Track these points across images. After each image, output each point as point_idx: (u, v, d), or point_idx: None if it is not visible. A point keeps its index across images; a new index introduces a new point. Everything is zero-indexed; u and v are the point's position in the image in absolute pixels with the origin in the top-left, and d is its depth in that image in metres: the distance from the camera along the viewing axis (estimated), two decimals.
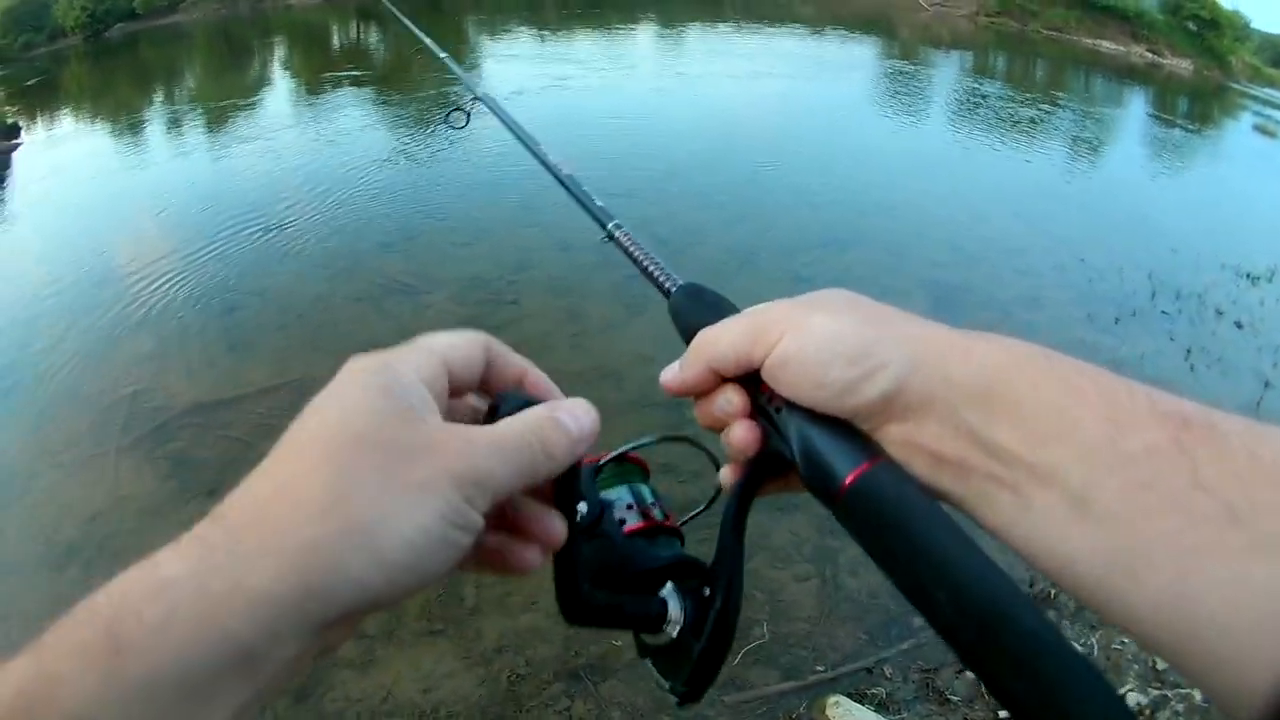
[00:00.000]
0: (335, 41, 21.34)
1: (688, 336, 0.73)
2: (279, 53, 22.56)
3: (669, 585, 0.71)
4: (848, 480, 0.57)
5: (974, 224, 9.71)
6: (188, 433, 5.74)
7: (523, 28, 24.18)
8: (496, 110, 1.63)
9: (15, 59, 25.44)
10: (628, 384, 6.02)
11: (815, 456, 0.60)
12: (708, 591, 0.68)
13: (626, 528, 0.75)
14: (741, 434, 0.66)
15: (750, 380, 0.66)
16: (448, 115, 2.07)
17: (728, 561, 0.67)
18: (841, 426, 0.61)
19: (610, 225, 1.02)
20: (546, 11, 27.67)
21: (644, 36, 23.33)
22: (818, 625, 4.34)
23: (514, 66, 18.22)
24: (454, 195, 9.74)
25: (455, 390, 0.61)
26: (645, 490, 0.80)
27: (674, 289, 0.84)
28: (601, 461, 0.80)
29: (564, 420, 0.59)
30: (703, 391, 0.69)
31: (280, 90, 17.46)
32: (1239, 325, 7.84)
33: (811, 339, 0.60)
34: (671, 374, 0.70)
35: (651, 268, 0.90)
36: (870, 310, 0.63)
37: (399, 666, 4.07)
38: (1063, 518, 0.49)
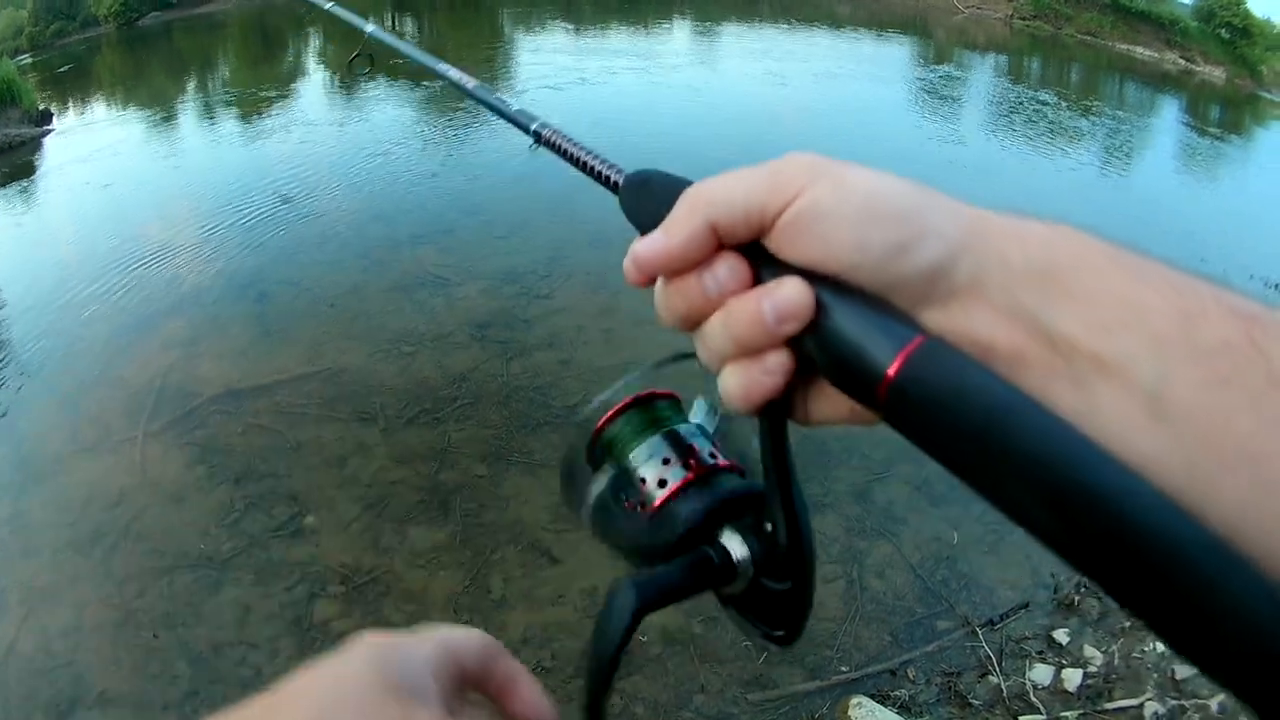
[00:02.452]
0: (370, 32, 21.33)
1: (655, 223, 0.57)
2: (314, 42, 22.66)
3: (725, 528, 0.62)
4: (895, 364, 0.46)
5: None
6: (216, 419, 5.77)
7: (558, 22, 24.20)
8: (391, 43, 1.59)
9: (47, 46, 25.64)
10: (660, 378, 6.00)
11: (846, 338, 0.49)
12: (769, 527, 0.60)
13: (669, 488, 0.64)
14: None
15: (749, 249, 0.54)
16: (349, 64, 2.02)
17: (777, 488, 0.58)
18: (877, 302, 0.50)
19: (535, 125, 0.93)
20: (582, 6, 27.66)
21: (679, 34, 23.31)
22: (843, 626, 4.33)
23: (547, 61, 18.23)
24: (490, 188, 9.73)
25: (457, 683, 0.59)
26: (682, 428, 0.69)
27: (622, 180, 0.72)
28: (608, 418, 0.69)
29: None
30: (690, 261, 0.54)
31: (315, 80, 17.55)
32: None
33: (854, 191, 0.50)
34: (650, 242, 0.55)
35: (591, 161, 0.79)
36: (908, 180, 0.53)
37: None
38: (1134, 415, 0.43)
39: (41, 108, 15.63)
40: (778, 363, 0.52)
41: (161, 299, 7.51)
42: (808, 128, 13.35)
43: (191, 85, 18.02)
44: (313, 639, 4.18)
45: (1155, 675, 4.10)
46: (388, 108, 13.94)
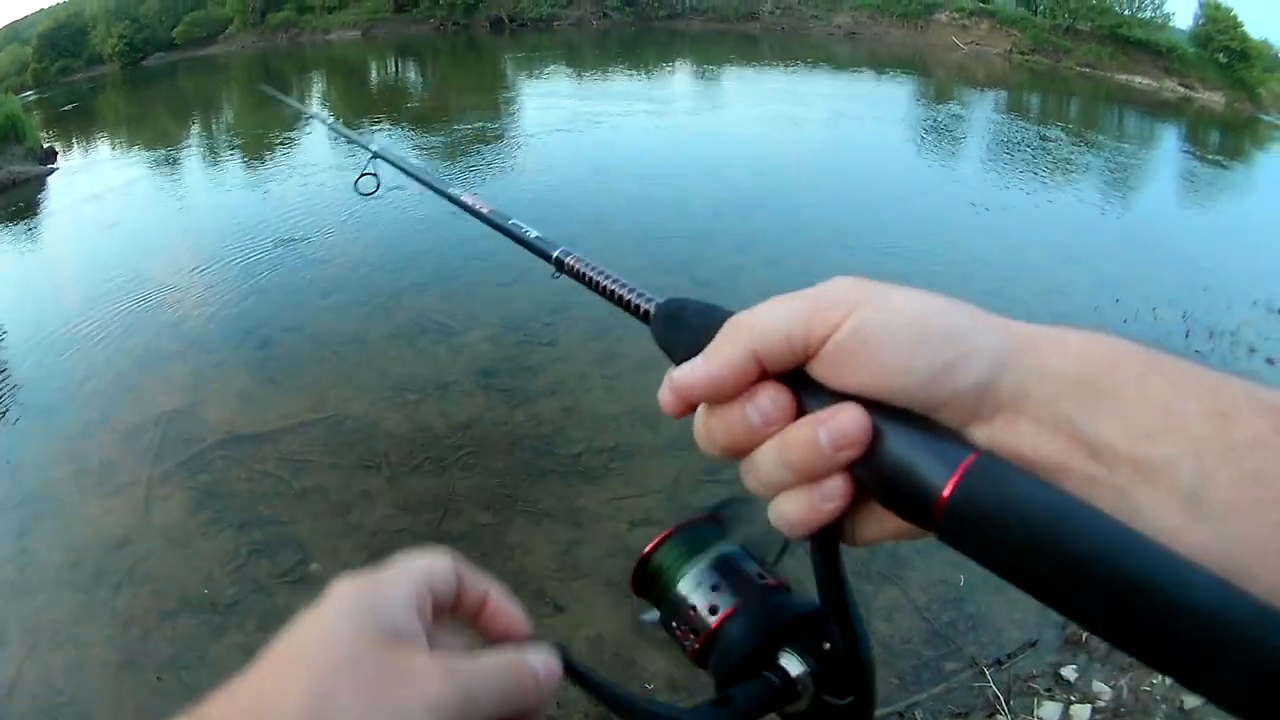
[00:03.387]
0: (373, 77, 21.55)
1: (691, 353, 0.57)
2: (317, 86, 22.83)
3: (784, 651, 0.62)
4: (950, 484, 0.47)
5: (1013, 266, 9.68)
6: (220, 464, 5.78)
7: (560, 66, 24.38)
8: (398, 163, 1.54)
9: (52, 83, 25.86)
10: (664, 428, 6.00)
11: (900, 461, 0.49)
12: (828, 646, 0.61)
13: (720, 614, 0.65)
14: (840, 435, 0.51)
15: (791, 378, 0.54)
16: (356, 183, 1.97)
17: (834, 608, 0.59)
18: (926, 422, 0.50)
19: (557, 253, 0.90)
20: (583, 51, 27.86)
21: (681, 77, 23.48)
22: None
23: (551, 106, 18.34)
24: (491, 234, 9.64)
25: (436, 611, 0.58)
26: (728, 550, 0.68)
27: (653, 308, 0.71)
28: (655, 547, 0.69)
29: (532, 664, 0.56)
30: (729, 393, 0.54)
31: (317, 124, 17.66)
32: (1270, 362, 7.76)
33: (898, 315, 0.51)
34: (690, 369, 0.55)
35: (619, 289, 0.77)
36: (947, 298, 0.53)
37: None
38: (1173, 515, 0.44)
39: (46, 145, 15.72)
40: (836, 489, 0.52)
41: (166, 342, 7.54)
42: (815, 172, 13.43)
43: (195, 126, 18.17)
44: None
45: (1164, 707, 4.07)
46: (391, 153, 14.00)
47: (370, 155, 1.79)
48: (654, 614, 0.69)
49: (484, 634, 0.62)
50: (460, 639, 0.60)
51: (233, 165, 14.50)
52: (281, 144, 15.34)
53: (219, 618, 4.56)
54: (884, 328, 0.50)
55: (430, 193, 1.25)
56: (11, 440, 6.26)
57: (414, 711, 0.48)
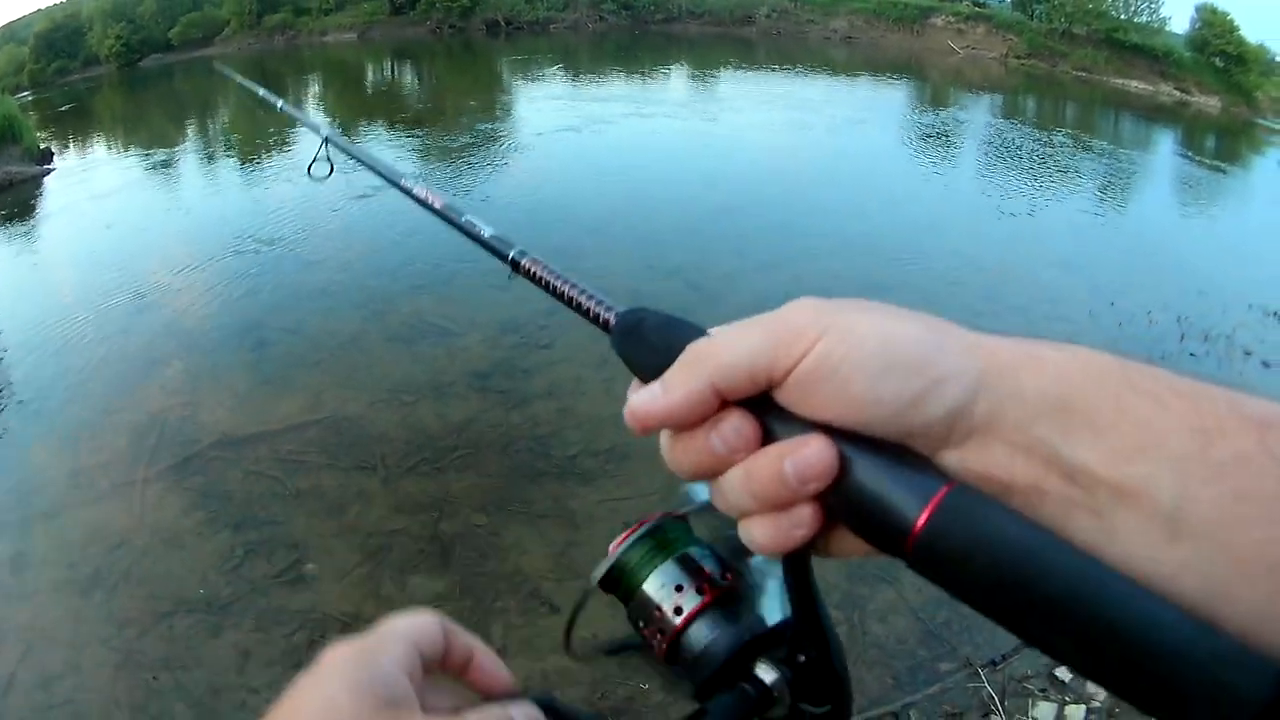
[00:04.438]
0: (370, 78, 21.55)
1: (652, 370, 0.56)
2: (313, 88, 22.82)
3: (760, 661, 0.63)
4: (922, 517, 0.46)
5: (1007, 269, 9.69)
6: (216, 465, 5.78)
7: (557, 68, 24.37)
8: (350, 150, 1.50)
9: (48, 83, 25.84)
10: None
11: (870, 493, 0.48)
12: (801, 658, 0.62)
13: (685, 614, 0.65)
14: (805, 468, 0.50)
15: (756, 403, 0.52)
16: (309, 169, 1.93)
17: (807, 621, 0.60)
18: (896, 451, 0.49)
19: (513, 253, 0.87)
20: (579, 53, 27.86)
21: (676, 81, 23.47)
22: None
23: (548, 109, 18.35)
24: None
25: (424, 670, 0.60)
26: (693, 550, 0.69)
27: (614, 318, 0.67)
28: (622, 546, 0.69)
29: None
30: (691, 421, 0.53)
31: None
32: (1266, 365, 7.78)
33: (864, 342, 0.49)
34: (649, 398, 0.54)
35: (578, 296, 0.73)
36: (917, 316, 0.52)
37: None
38: (1153, 537, 0.43)
39: (43, 146, 15.70)
40: (803, 518, 0.51)
41: (162, 343, 7.54)
42: (810, 177, 13.44)
43: (192, 127, 18.16)
44: None
45: None
46: (384, 156, 13.97)
47: (322, 140, 1.76)
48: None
49: (471, 688, 0.65)
50: (447, 696, 0.61)
51: (229, 166, 14.51)
52: (278, 144, 15.31)
53: (215, 618, 4.56)
54: (848, 358, 0.49)
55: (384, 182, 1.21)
56: (7, 441, 6.26)
57: None
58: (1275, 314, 8.87)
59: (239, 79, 3.24)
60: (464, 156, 13.42)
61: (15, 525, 5.37)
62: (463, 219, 0.95)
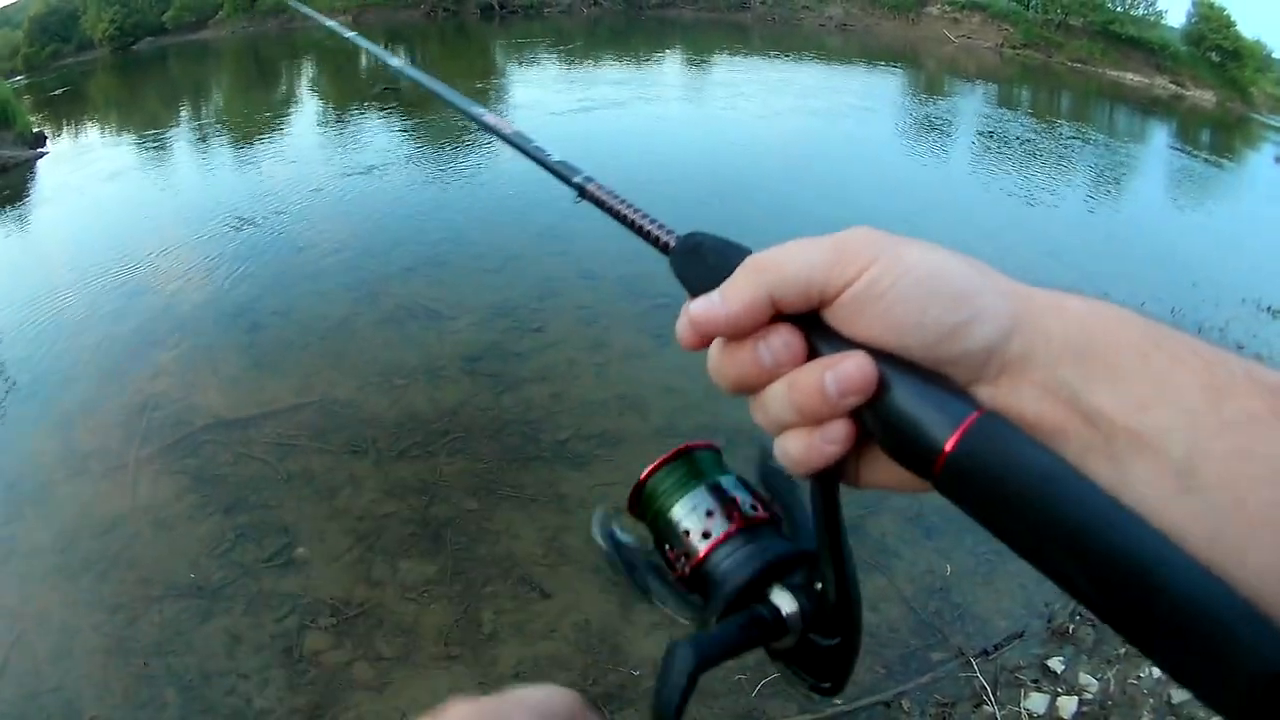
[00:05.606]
0: (363, 63, 21.47)
1: (708, 287, 0.58)
2: (307, 73, 22.76)
3: (776, 587, 0.64)
4: (952, 440, 0.48)
5: (1000, 258, 9.59)
6: (207, 448, 5.77)
7: (551, 53, 24.35)
8: (418, 78, 1.52)
9: (42, 67, 25.76)
10: (653, 413, 6.01)
11: (905, 412, 0.51)
12: (819, 585, 0.62)
13: (712, 539, 0.66)
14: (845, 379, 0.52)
15: (805, 320, 0.55)
16: (381, 92, 1.94)
17: (828, 550, 0.60)
18: (933, 377, 0.51)
19: (579, 178, 0.86)
20: (574, 38, 27.81)
21: (670, 66, 23.44)
22: None
23: (542, 93, 18.34)
24: (480, 220, 9.79)
25: None
26: (724, 480, 0.69)
27: (674, 240, 0.69)
28: (655, 470, 0.70)
29: None
30: (743, 331, 0.55)
31: (307, 110, 17.64)
32: (1259, 359, 7.75)
33: (913, 270, 0.51)
34: (708, 305, 0.56)
35: (641, 220, 0.74)
36: (963, 256, 0.54)
37: (414, 691, 4.06)
38: (1164, 488, 0.44)
39: (36, 130, 15.67)
40: (838, 433, 0.53)
41: (154, 326, 7.52)
42: (801, 163, 13.43)
43: (186, 111, 18.10)
44: (303, 670, 4.16)
45: (1151, 701, 4.09)
46: (378, 140, 13.99)
47: (390, 68, 1.80)
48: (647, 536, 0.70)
49: None
50: None
51: (222, 149, 14.46)
52: (271, 128, 15.31)
53: (205, 602, 4.56)
54: (898, 284, 0.51)
55: (456, 113, 1.21)
56: None
57: None
58: (1269, 308, 8.90)
59: (306, 9, 3.27)
60: (455, 139, 13.36)
61: (5, 510, 5.37)
62: (531, 145, 0.94)
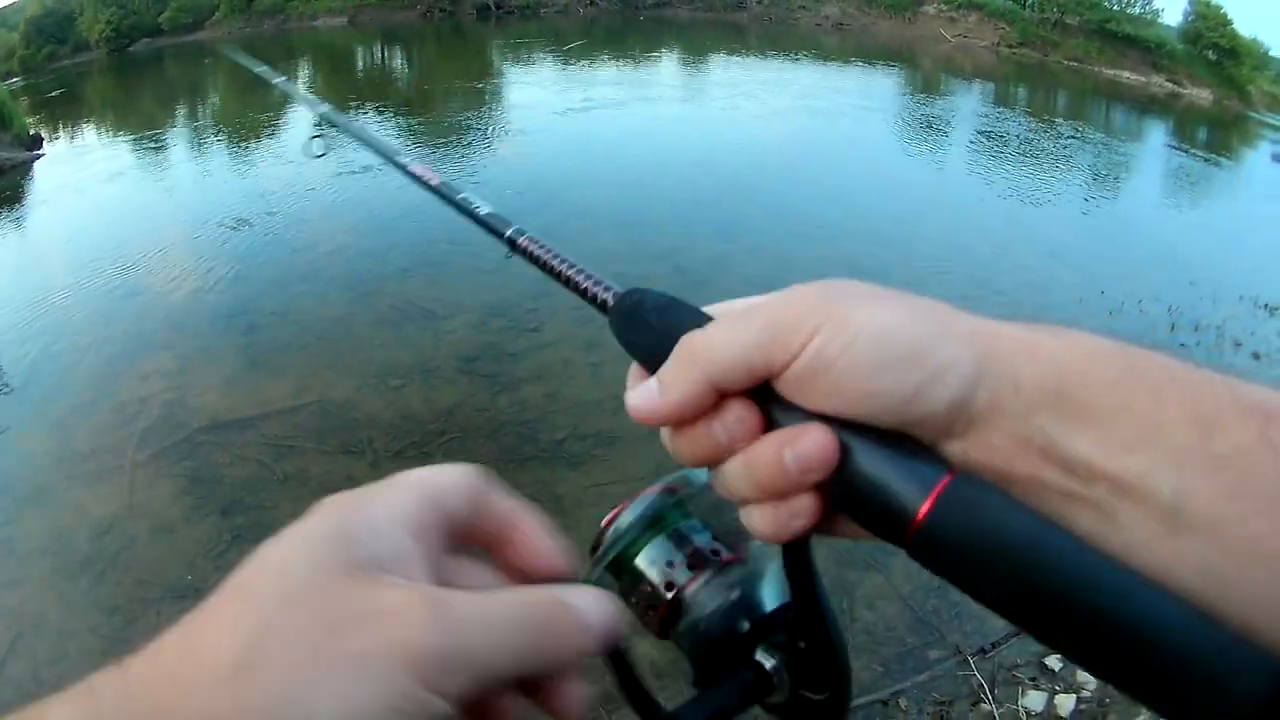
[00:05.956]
0: (360, 64, 21.49)
1: (650, 355, 0.56)
2: (303, 73, 22.75)
3: (760, 648, 0.63)
4: (924, 507, 0.46)
5: (996, 257, 9.70)
6: (204, 450, 5.75)
7: (547, 54, 24.35)
8: (345, 127, 1.46)
9: (38, 69, 25.78)
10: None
11: (871, 482, 0.48)
12: (802, 644, 0.61)
13: (676, 588, 0.64)
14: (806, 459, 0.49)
15: (758, 392, 0.51)
16: (307, 145, 1.89)
17: (805, 612, 0.59)
18: (897, 440, 0.48)
19: (510, 231, 0.84)
20: (570, 38, 27.81)
21: (666, 66, 23.46)
22: None
23: (538, 94, 18.34)
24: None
25: (452, 537, 0.49)
26: (685, 525, 0.67)
27: (612, 299, 0.65)
28: (612, 521, 0.67)
29: (577, 605, 0.48)
30: (691, 417, 0.52)
31: (303, 111, 17.60)
32: (1256, 356, 7.80)
33: (860, 336, 0.47)
34: (646, 395, 0.53)
35: (576, 276, 0.70)
36: (915, 302, 0.51)
37: None
38: (1152, 530, 0.43)
39: (32, 131, 15.68)
40: (803, 508, 0.50)
41: (150, 327, 7.51)
42: (799, 163, 13.44)
43: (182, 112, 18.11)
44: None
45: (1147, 714, 4.08)
46: (379, 135, 13.98)
47: (317, 118, 1.72)
48: (613, 586, 0.68)
49: (508, 574, 0.52)
50: (482, 574, 0.51)
51: (218, 150, 14.47)
52: (268, 129, 15.30)
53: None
54: (847, 352, 0.48)
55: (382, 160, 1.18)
56: None
57: (375, 662, 0.39)
58: (1266, 306, 8.90)
59: (239, 58, 3.22)
60: (453, 139, 13.38)
61: (3, 511, 5.34)
62: (459, 196, 0.92)
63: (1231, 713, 0.39)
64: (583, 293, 0.69)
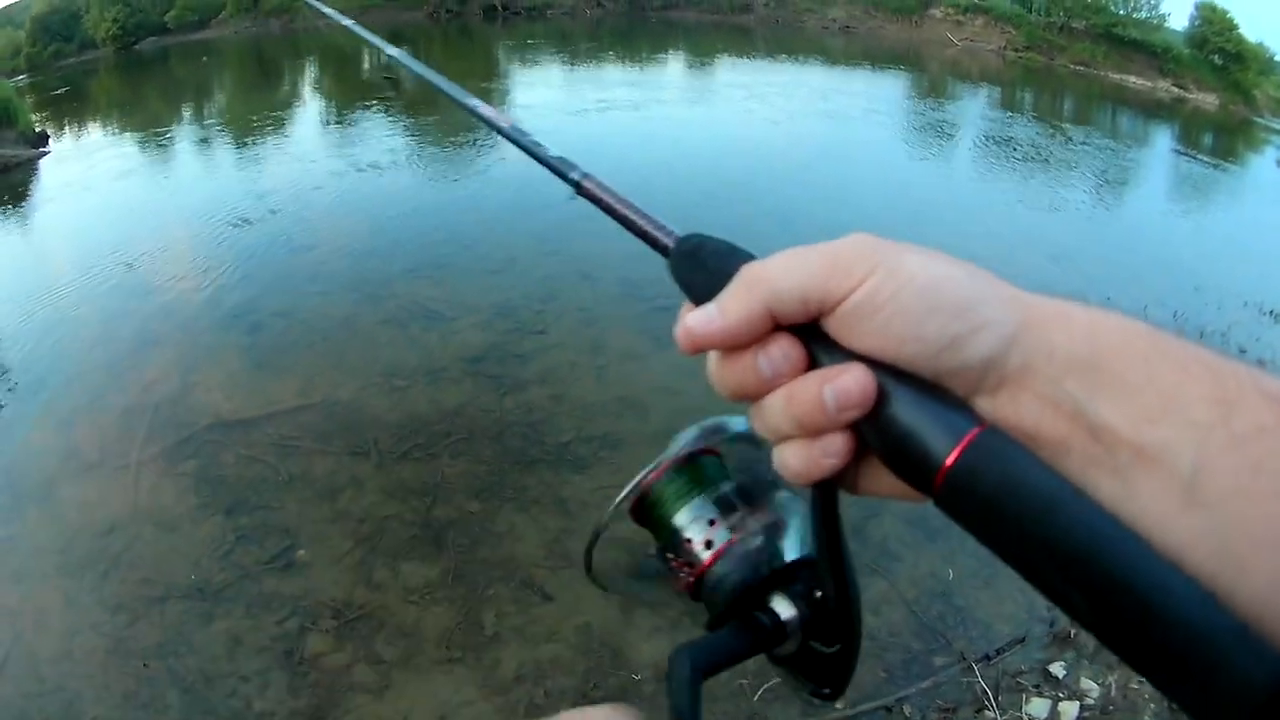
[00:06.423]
0: (365, 64, 21.49)
1: (707, 296, 0.57)
2: (309, 73, 22.78)
3: (775, 594, 0.64)
4: (953, 455, 0.47)
5: (1001, 261, 9.67)
6: (209, 449, 5.76)
7: (554, 54, 24.38)
8: (411, 66, 1.50)
9: (45, 67, 25.78)
10: (653, 415, 6.00)
11: (905, 426, 0.50)
12: (819, 594, 0.62)
13: (715, 548, 0.66)
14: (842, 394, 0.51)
15: (804, 330, 0.53)
16: (381, 81, 1.90)
17: (828, 558, 0.60)
18: (934, 390, 0.50)
19: (575, 174, 0.83)
20: (577, 40, 27.82)
21: (673, 68, 23.45)
22: None
23: (546, 94, 18.36)
24: (482, 222, 9.77)
25: None
26: (727, 488, 0.70)
27: (673, 242, 0.67)
28: (654, 477, 0.70)
29: None
30: (741, 344, 0.54)
31: (309, 110, 17.62)
32: (1261, 363, 7.74)
33: (912, 283, 0.50)
34: (705, 317, 0.54)
35: (638, 219, 0.72)
36: (966, 264, 0.53)
37: (415, 694, 4.06)
38: (1170, 503, 0.44)
39: (38, 129, 15.69)
40: (836, 447, 0.52)
41: (156, 326, 7.52)
42: (804, 165, 13.42)
43: (188, 111, 18.11)
44: (304, 672, 4.16)
45: (1153, 706, 4.09)
46: (380, 140, 13.98)
47: (387, 58, 1.77)
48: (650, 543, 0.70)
49: None
50: None
51: (224, 149, 14.46)
52: (273, 128, 15.32)
53: (206, 604, 4.56)
54: (898, 295, 0.50)
55: (451, 104, 1.19)
56: (0, 425, 6.22)
57: None
58: (1271, 312, 8.89)
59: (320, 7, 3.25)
60: (461, 139, 13.36)
61: (7, 510, 5.36)
62: (528, 139, 0.92)
63: (1232, 702, 0.40)
64: (644, 235, 0.71)
